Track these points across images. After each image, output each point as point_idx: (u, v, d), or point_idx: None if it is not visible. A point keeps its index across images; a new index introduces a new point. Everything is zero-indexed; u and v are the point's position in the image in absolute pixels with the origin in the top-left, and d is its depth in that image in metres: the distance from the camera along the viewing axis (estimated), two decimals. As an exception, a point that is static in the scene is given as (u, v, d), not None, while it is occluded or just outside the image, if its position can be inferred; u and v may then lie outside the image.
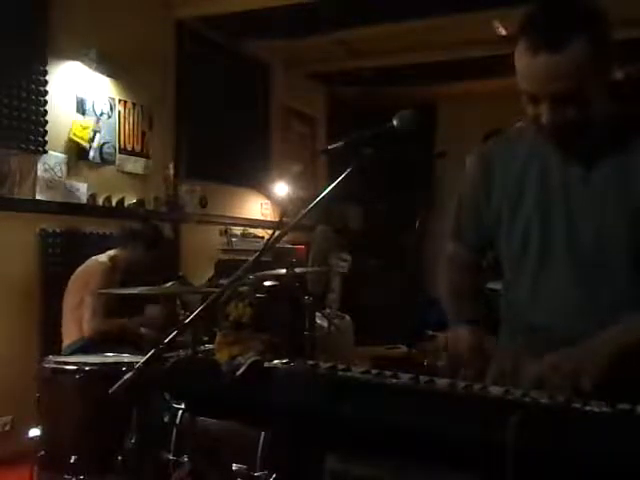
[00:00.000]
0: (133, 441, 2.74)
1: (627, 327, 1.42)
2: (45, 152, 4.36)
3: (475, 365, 1.55)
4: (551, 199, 1.55)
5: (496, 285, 1.74)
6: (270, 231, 5.91)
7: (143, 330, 4.05)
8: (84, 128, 4.64)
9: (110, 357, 3.36)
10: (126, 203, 4.95)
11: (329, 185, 1.57)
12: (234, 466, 2.67)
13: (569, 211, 1.52)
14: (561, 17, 1.40)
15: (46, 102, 4.36)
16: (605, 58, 1.41)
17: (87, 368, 3.09)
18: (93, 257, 4.12)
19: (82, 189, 4.63)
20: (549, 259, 1.55)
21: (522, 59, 1.41)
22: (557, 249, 1.54)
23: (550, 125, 1.42)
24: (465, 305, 1.71)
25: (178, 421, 2.85)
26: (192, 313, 1.45)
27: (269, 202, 6.56)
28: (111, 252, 4.16)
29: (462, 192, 1.78)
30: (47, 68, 4.38)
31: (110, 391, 1.32)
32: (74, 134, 4.56)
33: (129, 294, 3.62)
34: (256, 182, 6.40)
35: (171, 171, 5.39)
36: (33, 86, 4.30)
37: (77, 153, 4.59)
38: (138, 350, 3.56)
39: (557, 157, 1.54)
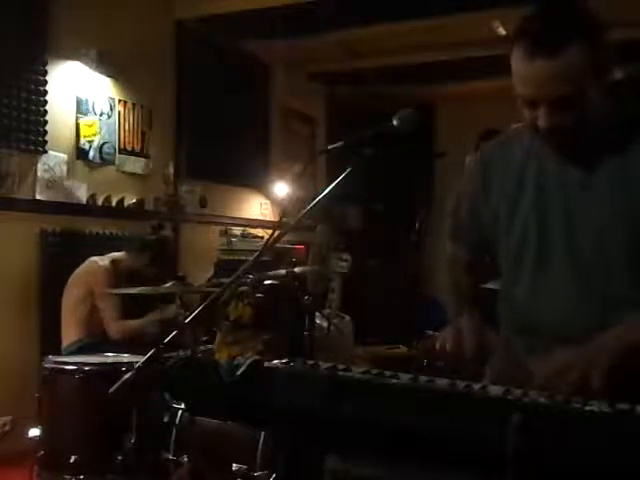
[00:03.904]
0: (133, 441, 2.74)
1: (636, 324, 1.42)
2: (45, 152, 4.37)
3: (476, 355, 1.53)
4: (548, 201, 1.55)
5: (495, 285, 1.74)
6: (270, 231, 5.91)
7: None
8: (90, 127, 4.65)
9: (110, 357, 3.37)
10: (126, 203, 4.95)
11: (329, 185, 1.57)
12: (234, 466, 2.67)
13: (567, 213, 1.52)
14: (557, 22, 1.40)
15: (46, 102, 4.36)
16: (602, 62, 1.40)
17: (87, 368, 3.09)
18: (93, 258, 4.10)
19: (82, 189, 4.63)
20: (547, 260, 1.55)
21: (519, 64, 1.41)
22: (555, 250, 1.54)
23: (547, 129, 1.42)
24: (465, 307, 1.70)
25: (178, 421, 2.85)
26: (192, 313, 1.45)
27: (269, 202, 6.56)
28: (113, 255, 4.15)
29: (460, 192, 1.78)
30: (47, 68, 4.38)
31: (110, 391, 1.32)
32: (83, 136, 4.59)
33: (130, 294, 3.62)
34: (256, 182, 6.39)
35: (171, 171, 5.39)
36: (33, 86, 4.30)
37: (77, 153, 4.60)
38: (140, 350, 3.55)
39: (554, 159, 1.54)
